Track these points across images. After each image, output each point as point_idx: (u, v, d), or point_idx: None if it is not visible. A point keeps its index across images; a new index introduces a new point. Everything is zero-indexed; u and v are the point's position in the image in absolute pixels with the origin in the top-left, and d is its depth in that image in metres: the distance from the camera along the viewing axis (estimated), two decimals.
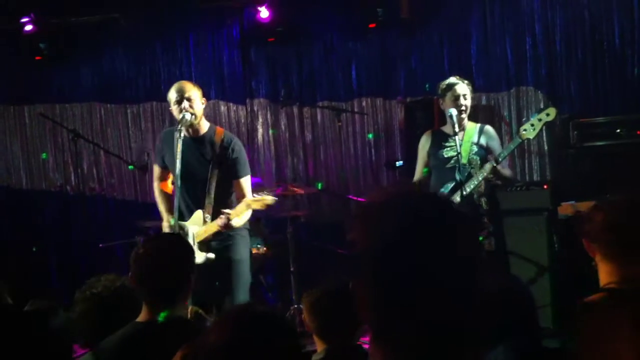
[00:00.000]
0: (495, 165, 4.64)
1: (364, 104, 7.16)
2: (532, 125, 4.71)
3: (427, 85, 6.90)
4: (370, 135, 7.16)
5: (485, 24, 6.79)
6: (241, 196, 4.49)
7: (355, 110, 7.11)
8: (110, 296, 2.80)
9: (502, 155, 4.70)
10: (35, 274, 7.35)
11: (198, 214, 4.41)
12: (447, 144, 4.89)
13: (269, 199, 4.41)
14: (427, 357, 1.16)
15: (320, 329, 2.61)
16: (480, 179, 4.71)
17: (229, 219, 4.28)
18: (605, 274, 2.19)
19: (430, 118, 6.13)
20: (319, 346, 2.63)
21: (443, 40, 6.93)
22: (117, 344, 2.53)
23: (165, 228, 4.52)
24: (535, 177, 6.57)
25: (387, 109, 7.14)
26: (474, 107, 5.14)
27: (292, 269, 5.95)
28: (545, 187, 5.64)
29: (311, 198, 7.17)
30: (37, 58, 7.33)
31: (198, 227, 4.38)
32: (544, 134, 6.47)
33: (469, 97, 4.88)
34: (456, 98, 4.84)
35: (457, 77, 4.99)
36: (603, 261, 2.21)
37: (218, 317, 1.91)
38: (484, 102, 6.70)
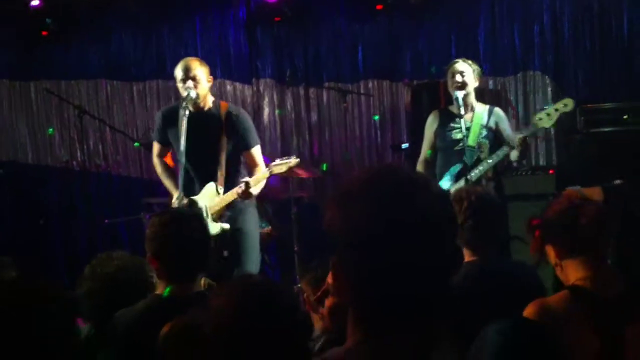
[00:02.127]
0: (510, 150, 4.60)
1: (370, 85, 7.14)
2: (549, 114, 4.63)
3: (433, 69, 6.88)
4: (375, 117, 7.15)
5: (493, 10, 6.75)
6: (254, 166, 4.50)
7: (362, 91, 7.10)
8: (122, 278, 2.78)
9: (516, 143, 4.64)
10: (39, 250, 7.40)
11: (210, 186, 4.40)
12: (455, 125, 4.83)
13: (292, 161, 4.39)
14: (397, 337, 1.17)
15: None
16: (490, 163, 4.66)
17: (248, 187, 4.26)
18: (573, 271, 2.15)
19: (436, 101, 6.11)
20: (319, 324, 2.63)
21: (451, 23, 6.89)
22: (139, 317, 2.54)
23: (175, 203, 4.51)
24: (541, 162, 6.56)
25: (393, 91, 7.12)
26: (480, 90, 5.10)
27: (295, 249, 5.97)
28: (550, 172, 5.63)
29: (316, 179, 7.17)
30: (43, 33, 7.31)
31: (210, 199, 4.37)
32: None
33: (468, 75, 4.79)
34: (452, 75, 4.79)
35: (464, 59, 4.94)
36: (573, 259, 2.15)
37: (220, 287, 1.90)
38: (490, 86, 6.67)
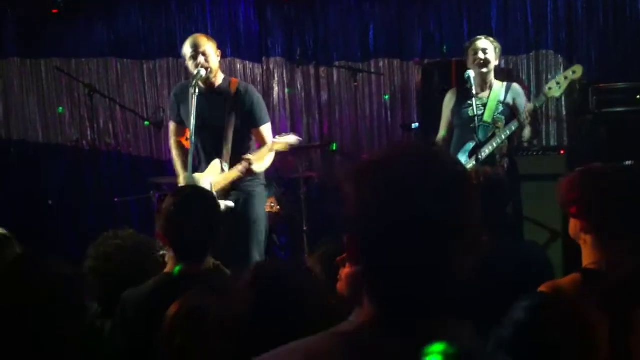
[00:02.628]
0: (519, 124, 4.60)
1: (380, 64, 7.09)
2: (558, 83, 4.62)
3: (444, 47, 6.82)
4: (386, 97, 7.10)
5: None
6: (263, 144, 4.46)
7: (372, 70, 7.05)
8: (123, 257, 2.80)
9: (523, 115, 4.63)
10: (50, 228, 7.44)
11: (215, 163, 4.40)
12: (471, 102, 4.81)
13: (292, 139, 4.34)
14: (404, 315, 1.16)
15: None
16: (503, 137, 4.66)
17: (250, 164, 4.23)
18: (588, 250, 2.13)
19: (447, 80, 6.07)
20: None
21: (462, 1, 6.81)
22: (148, 296, 2.55)
23: (181, 184, 4.53)
24: (552, 143, 6.51)
25: (403, 71, 7.07)
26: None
27: (304, 229, 5.97)
28: (561, 152, 5.60)
29: (325, 159, 7.15)
30: (54, 11, 7.28)
31: (215, 176, 4.37)
32: (563, 99, 6.41)
33: (490, 52, 4.77)
34: (475, 52, 4.77)
35: (486, 36, 4.92)
36: (593, 240, 2.11)
37: (241, 278, 1.88)
38: (502, 65, 6.60)
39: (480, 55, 4.75)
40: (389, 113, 7.13)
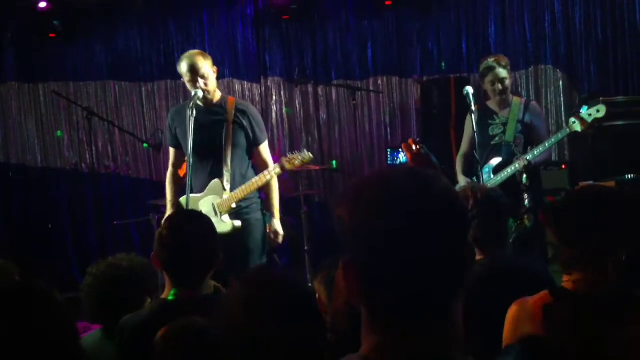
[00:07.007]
0: (527, 163, 4.58)
1: (379, 82, 7.09)
2: (582, 119, 4.57)
3: (443, 64, 6.82)
4: (385, 113, 7.09)
5: (503, 1, 6.68)
6: (262, 163, 4.40)
7: (371, 88, 7.04)
8: (114, 276, 2.79)
9: (542, 148, 4.63)
10: (50, 252, 7.40)
11: (215, 184, 4.31)
12: (492, 122, 4.87)
13: (306, 156, 4.30)
14: (414, 340, 1.13)
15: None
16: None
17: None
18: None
19: (446, 97, 6.06)
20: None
21: (460, 18, 6.82)
22: (144, 322, 2.52)
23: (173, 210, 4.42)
24: (554, 157, 6.47)
25: (402, 88, 7.07)
26: None
27: (306, 249, 5.92)
28: (563, 167, 5.57)
29: (325, 177, 7.12)
30: (51, 35, 7.30)
31: (217, 196, 4.31)
32: (563, 114, 6.40)
33: (508, 79, 4.84)
34: (493, 83, 4.83)
35: (495, 58, 4.91)
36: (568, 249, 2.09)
37: (238, 279, 1.86)
38: None
39: (499, 86, 4.81)
40: (388, 131, 7.11)
